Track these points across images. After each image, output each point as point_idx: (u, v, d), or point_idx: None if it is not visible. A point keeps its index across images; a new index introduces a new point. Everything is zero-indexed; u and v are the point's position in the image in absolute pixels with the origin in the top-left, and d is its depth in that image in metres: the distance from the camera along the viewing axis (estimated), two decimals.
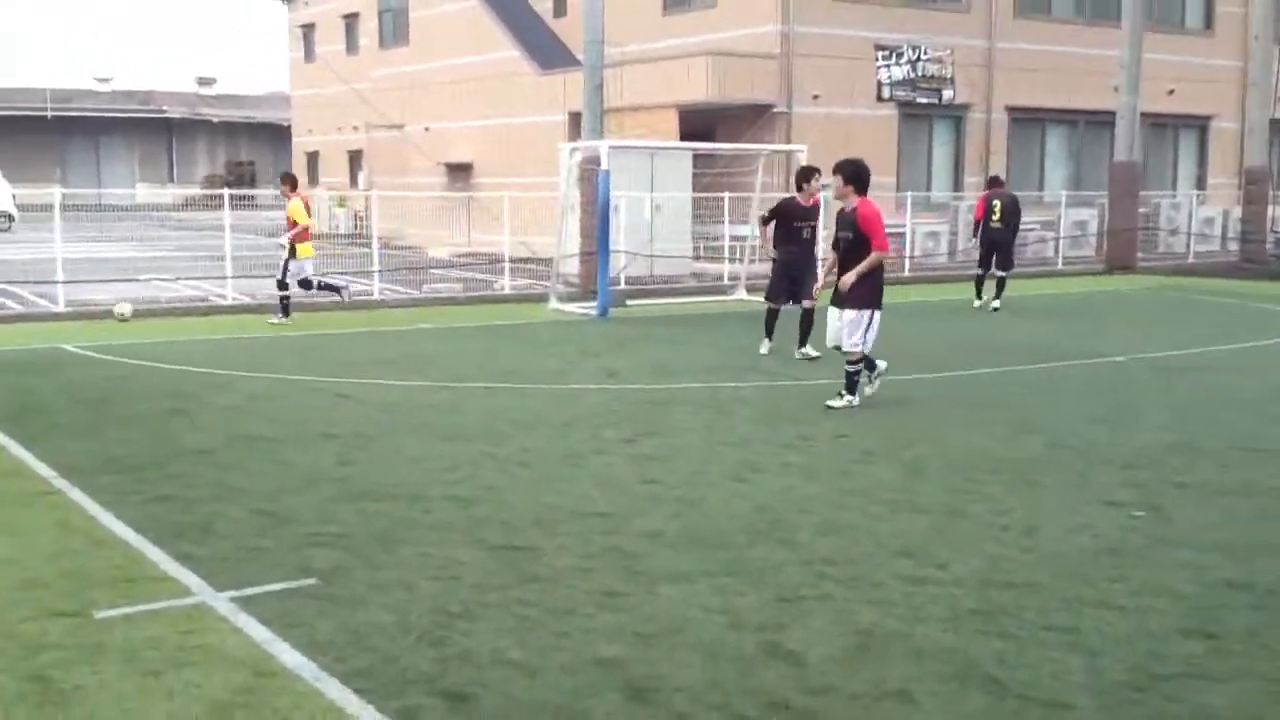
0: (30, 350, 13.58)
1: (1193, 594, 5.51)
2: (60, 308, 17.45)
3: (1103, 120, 28.63)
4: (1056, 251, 27.63)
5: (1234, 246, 28.83)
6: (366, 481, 7.52)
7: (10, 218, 38.37)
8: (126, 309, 16.67)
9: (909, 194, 25.64)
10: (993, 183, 19.57)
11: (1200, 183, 32.89)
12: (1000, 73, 28.31)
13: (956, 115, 28.23)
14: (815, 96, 25.75)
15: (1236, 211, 29.52)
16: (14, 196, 39.23)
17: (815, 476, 7.74)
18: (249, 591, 5.48)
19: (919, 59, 26.57)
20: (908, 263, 25.15)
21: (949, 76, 26.98)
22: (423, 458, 8.20)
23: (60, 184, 53.78)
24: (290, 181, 17.11)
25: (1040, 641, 4.92)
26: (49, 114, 59.18)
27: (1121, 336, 15.29)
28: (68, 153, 61.52)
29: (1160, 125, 31.55)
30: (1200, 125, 32.92)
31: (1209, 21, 32.53)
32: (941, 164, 28.55)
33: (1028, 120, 29.53)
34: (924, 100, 26.92)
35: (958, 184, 28.41)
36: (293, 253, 16.51)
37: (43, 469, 7.84)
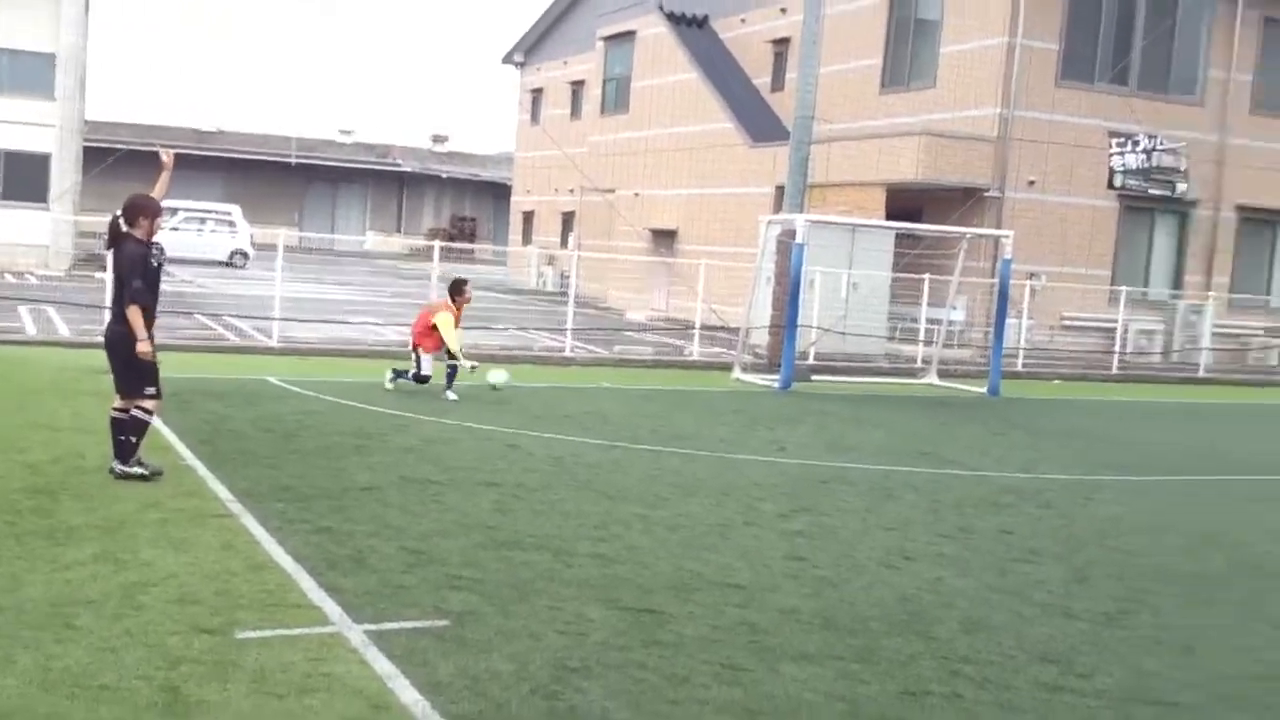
0: (238, 380, 14.39)
1: None
2: (273, 342, 18.46)
3: None
4: None
5: None
6: (516, 531, 7.66)
7: (246, 255, 40.89)
8: (500, 378, 14.79)
9: (1124, 288, 24.72)
10: None
11: None
12: (1232, 170, 27.03)
13: (1182, 211, 27.04)
14: (1030, 182, 25.15)
15: None
16: (251, 236, 41.81)
17: (969, 571, 7.47)
18: (383, 626, 5.64)
19: (1154, 149, 25.63)
20: (1115, 359, 24.19)
21: (1183, 169, 25.93)
22: (576, 513, 8.30)
23: (298, 228, 57.23)
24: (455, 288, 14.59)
25: None
26: (293, 160, 62.99)
27: None
28: (307, 198, 65.19)
29: None
30: None
31: None
32: (1162, 260, 27.34)
33: (1259, 221, 28.03)
34: (1156, 192, 25.92)
35: (1178, 282, 27.17)
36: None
37: (222, 492, 8.28)
